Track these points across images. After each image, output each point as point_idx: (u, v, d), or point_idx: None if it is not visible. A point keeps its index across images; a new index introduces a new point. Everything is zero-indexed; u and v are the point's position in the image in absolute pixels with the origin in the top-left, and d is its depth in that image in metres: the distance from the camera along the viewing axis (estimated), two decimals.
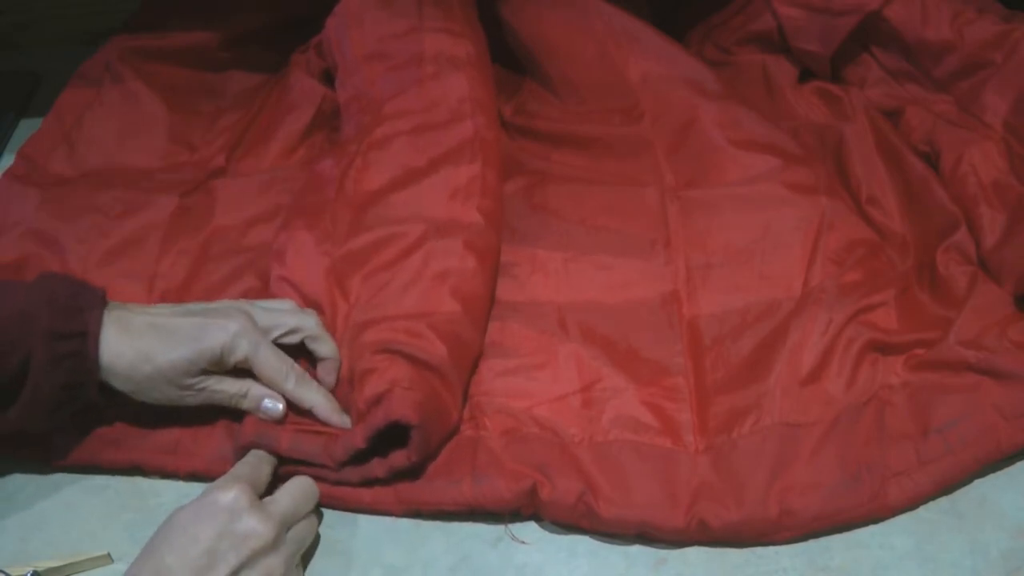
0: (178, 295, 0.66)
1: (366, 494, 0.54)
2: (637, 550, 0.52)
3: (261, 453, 0.54)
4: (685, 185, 0.70)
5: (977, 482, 0.54)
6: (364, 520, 0.54)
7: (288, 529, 0.50)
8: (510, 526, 0.54)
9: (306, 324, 0.57)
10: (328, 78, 0.79)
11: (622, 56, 0.77)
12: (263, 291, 0.64)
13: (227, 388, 0.55)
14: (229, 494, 0.48)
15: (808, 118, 0.75)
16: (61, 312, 0.51)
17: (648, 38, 0.77)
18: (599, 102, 0.77)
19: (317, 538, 0.53)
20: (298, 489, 0.52)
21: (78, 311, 0.52)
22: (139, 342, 0.53)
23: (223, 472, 0.55)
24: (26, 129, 0.83)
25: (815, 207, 0.66)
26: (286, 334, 0.57)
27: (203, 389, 0.54)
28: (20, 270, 0.67)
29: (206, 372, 0.54)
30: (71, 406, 0.53)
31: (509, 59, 0.82)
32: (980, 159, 0.66)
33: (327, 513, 0.55)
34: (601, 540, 0.53)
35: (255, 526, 0.47)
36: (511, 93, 0.81)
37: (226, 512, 0.47)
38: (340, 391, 0.57)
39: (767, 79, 0.79)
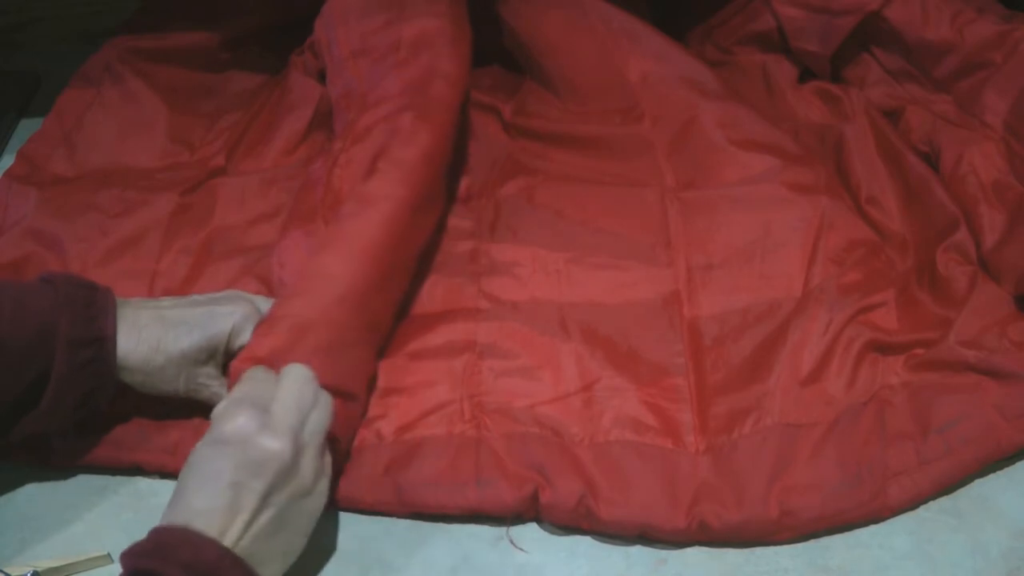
0: (178, 294, 0.66)
1: (368, 495, 0.54)
2: (637, 550, 0.52)
3: (259, 371, 0.52)
4: (685, 185, 0.70)
5: (977, 482, 0.54)
6: (364, 520, 0.54)
7: (303, 430, 0.48)
8: (510, 529, 0.53)
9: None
10: (325, 77, 0.79)
11: (622, 56, 0.77)
12: (263, 293, 0.64)
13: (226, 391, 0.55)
14: (234, 423, 0.47)
15: (808, 118, 0.75)
16: (79, 320, 0.52)
17: (648, 38, 0.77)
18: (599, 102, 0.77)
19: (316, 538, 0.53)
20: (294, 382, 0.50)
21: (93, 317, 0.52)
22: (150, 335, 0.54)
23: None
24: (26, 129, 0.83)
25: (815, 207, 0.66)
26: None
27: (207, 385, 0.55)
28: (20, 270, 0.67)
29: (214, 361, 0.55)
30: (90, 407, 0.54)
31: (509, 59, 0.82)
32: (980, 159, 0.66)
33: (326, 514, 0.54)
34: (601, 540, 0.53)
35: (269, 447, 0.46)
36: (511, 93, 0.81)
37: (237, 443, 0.46)
38: None
39: (767, 79, 0.79)
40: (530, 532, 0.53)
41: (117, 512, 0.55)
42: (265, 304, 0.58)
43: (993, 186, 0.64)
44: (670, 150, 0.73)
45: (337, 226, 0.60)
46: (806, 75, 0.79)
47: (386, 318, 0.61)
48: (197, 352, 0.54)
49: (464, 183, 0.72)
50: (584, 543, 0.53)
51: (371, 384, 0.59)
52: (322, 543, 0.53)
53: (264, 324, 0.55)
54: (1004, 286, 0.61)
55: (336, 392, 0.53)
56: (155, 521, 0.54)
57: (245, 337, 0.55)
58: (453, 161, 0.74)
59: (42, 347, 0.50)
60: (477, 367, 0.60)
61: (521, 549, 0.53)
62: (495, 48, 0.82)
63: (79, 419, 0.54)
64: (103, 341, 0.52)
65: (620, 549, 0.52)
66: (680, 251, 0.66)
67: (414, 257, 0.64)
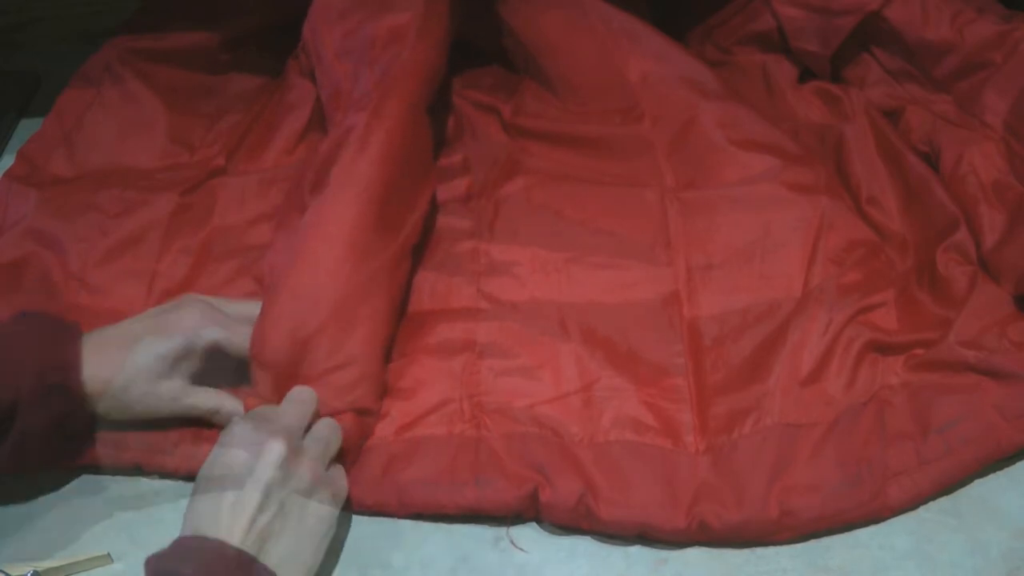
0: (178, 294, 0.66)
1: (368, 496, 0.54)
2: (637, 550, 0.52)
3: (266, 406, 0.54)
4: (685, 186, 0.70)
5: (977, 482, 0.54)
6: (364, 520, 0.54)
7: (301, 434, 0.51)
8: (509, 530, 0.53)
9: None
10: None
11: (622, 56, 0.77)
12: (259, 293, 0.64)
13: (201, 403, 0.55)
14: (233, 429, 0.49)
15: (808, 118, 0.75)
16: (46, 350, 0.52)
17: (648, 38, 0.77)
18: (599, 102, 0.77)
19: None
20: (295, 400, 0.53)
21: (60, 346, 0.53)
22: (110, 357, 0.53)
23: None
24: (26, 129, 0.83)
25: (815, 207, 0.66)
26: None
27: (177, 399, 0.55)
28: (21, 269, 0.67)
29: (178, 368, 0.54)
30: (60, 440, 0.54)
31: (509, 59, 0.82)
32: (980, 159, 0.66)
33: None
34: (601, 540, 0.53)
35: (264, 443, 0.48)
36: (511, 93, 0.81)
37: (236, 445, 0.48)
38: None
39: (767, 79, 0.79)
40: (530, 532, 0.53)
41: (117, 512, 0.55)
42: (228, 306, 0.58)
43: (993, 186, 0.64)
44: (670, 150, 0.73)
45: (301, 238, 0.60)
46: (806, 75, 0.79)
47: (385, 325, 0.60)
48: (155, 361, 0.54)
49: (464, 183, 0.72)
50: (584, 543, 0.53)
51: (382, 391, 0.59)
52: None
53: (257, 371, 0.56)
54: (1004, 286, 0.61)
55: (349, 409, 0.55)
56: (155, 521, 0.54)
57: (208, 335, 0.55)
58: (452, 161, 0.74)
59: (10, 381, 0.51)
60: (477, 367, 0.60)
61: (521, 549, 0.53)
62: (495, 48, 0.82)
63: (60, 450, 0.55)
64: (67, 369, 0.52)
65: (620, 549, 0.52)
66: (680, 251, 0.66)
67: (400, 255, 0.63)
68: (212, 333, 0.55)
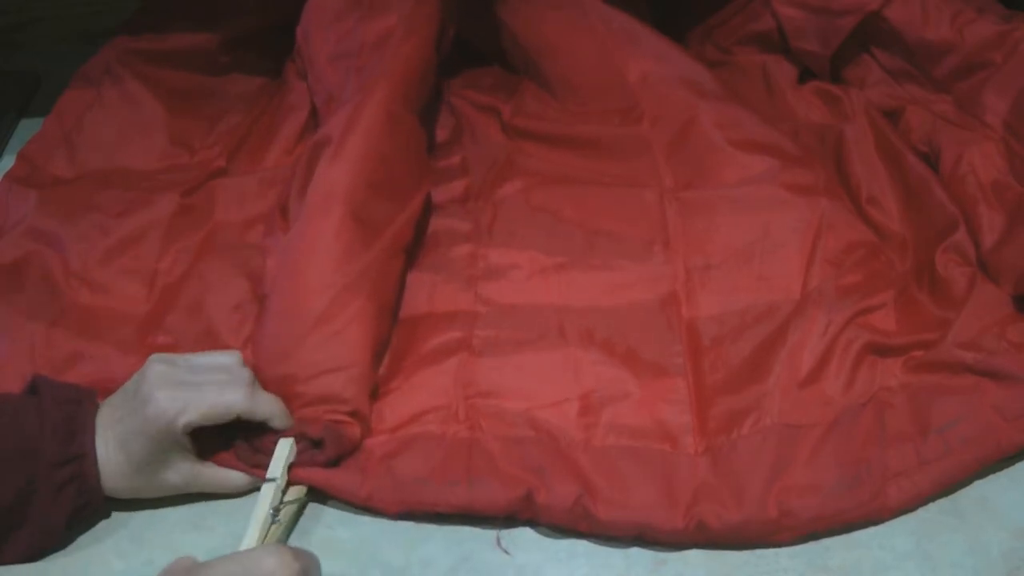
0: (176, 291, 0.66)
1: (362, 488, 0.54)
2: (637, 551, 0.52)
3: None
4: (684, 186, 0.70)
5: (977, 482, 0.54)
6: (364, 520, 0.54)
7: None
8: (502, 533, 0.53)
9: (234, 401, 0.53)
10: None
11: (621, 56, 0.77)
12: (252, 291, 0.65)
13: (223, 480, 0.54)
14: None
15: (808, 118, 0.75)
16: (60, 437, 0.51)
17: (647, 38, 0.77)
18: (598, 103, 0.77)
19: (317, 537, 0.53)
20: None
21: (75, 432, 0.51)
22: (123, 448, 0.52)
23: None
24: (26, 129, 0.83)
25: (814, 208, 0.66)
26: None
27: (187, 484, 0.54)
28: (22, 269, 0.67)
29: (171, 458, 0.52)
30: (80, 521, 0.53)
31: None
32: (980, 159, 0.66)
33: (326, 513, 0.55)
34: (601, 541, 0.53)
35: None
36: (511, 93, 0.81)
37: None
38: None
39: (767, 79, 0.79)
40: (529, 532, 0.53)
41: (117, 512, 0.55)
42: (192, 361, 0.54)
43: (992, 186, 0.64)
44: (669, 151, 0.73)
45: (286, 250, 0.61)
46: (806, 75, 0.79)
47: (375, 325, 0.60)
48: (150, 464, 0.52)
49: (462, 184, 0.72)
50: (583, 544, 0.53)
51: (374, 393, 0.59)
52: (322, 543, 0.53)
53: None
54: (1003, 286, 0.60)
55: (342, 413, 0.55)
56: (156, 521, 0.54)
57: (184, 419, 0.51)
58: (451, 163, 0.74)
59: (25, 467, 0.50)
60: (473, 370, 0.59)
61: (507, 552, 0.52)
62: (494, 48, 0.82)
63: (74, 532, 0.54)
64: (83, 458, 0.51)
65: (620, 550, 0.52)
66: (678, 252, 0.66)
67: (388, 255, 0.63)
68: (185, 417, 0.51)
